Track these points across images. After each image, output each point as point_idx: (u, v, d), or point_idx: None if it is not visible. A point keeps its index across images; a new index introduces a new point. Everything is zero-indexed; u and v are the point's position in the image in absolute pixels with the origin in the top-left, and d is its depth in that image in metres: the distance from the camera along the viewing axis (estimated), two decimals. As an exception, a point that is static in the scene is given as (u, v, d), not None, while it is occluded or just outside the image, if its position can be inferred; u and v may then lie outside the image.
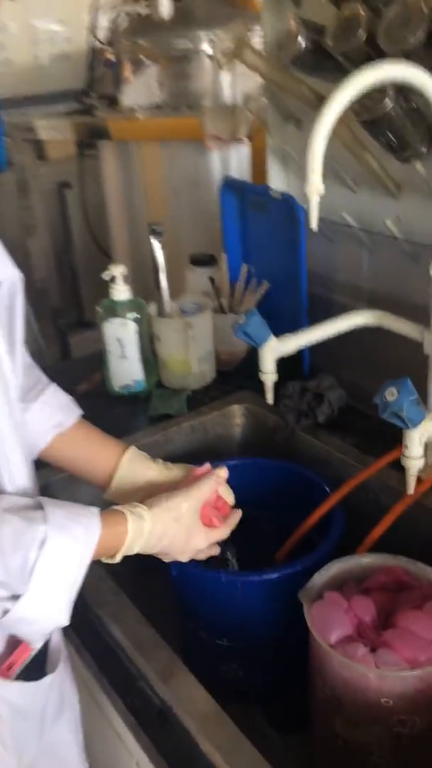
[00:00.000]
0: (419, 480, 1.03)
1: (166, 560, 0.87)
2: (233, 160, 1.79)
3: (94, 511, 0.74)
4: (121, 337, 1.30)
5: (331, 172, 1.28)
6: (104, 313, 1.31)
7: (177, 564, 0.95)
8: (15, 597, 0.66)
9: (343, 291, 1.34)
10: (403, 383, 0.71)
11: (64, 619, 0.70)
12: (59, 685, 0.87)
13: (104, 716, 0.81)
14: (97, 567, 0.89)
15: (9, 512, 0.68)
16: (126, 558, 0.78)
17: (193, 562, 0.90)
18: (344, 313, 1.11)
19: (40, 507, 0.70)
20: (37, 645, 0.74)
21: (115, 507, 0.79)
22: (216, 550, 0.91)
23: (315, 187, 0.75)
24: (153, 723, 0.74)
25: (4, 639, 0.77)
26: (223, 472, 0.90)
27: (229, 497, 0.93)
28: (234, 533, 0.93)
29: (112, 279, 1.29)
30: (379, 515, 0.98)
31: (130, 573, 0.92)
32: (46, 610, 0.68)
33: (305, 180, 0.75)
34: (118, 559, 0.78)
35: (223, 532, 0.89)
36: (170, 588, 1.05)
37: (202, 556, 0.90)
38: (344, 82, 0.75)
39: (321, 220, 1.31)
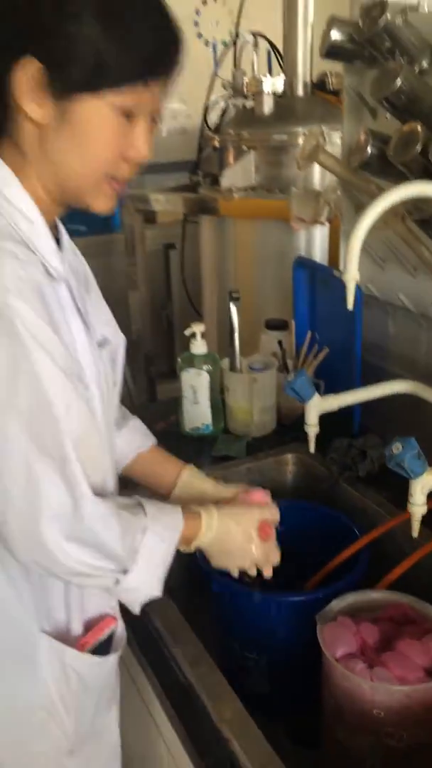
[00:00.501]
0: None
1: (223, 562, 1.02)
2: (316, 239, 1.99)
3: (178, 508, 0.94)
4: (195, 386, 1.50)
5: (393, 257, 1.45)
6: (183, 363, 1.52)
7: (218, 580, 1.12)
8: (124, 571, 0.84)
9: (398, 362, 1.48)
10: (407, 440, 0.87)
11: (158, 591, 0.88)
12: (116, 672, 1.04)
13: (138, 693, 0.97)
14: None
15: (119, 508, 0.86)
16: (174, 573, 0.94)
17: (231, 579, 1.07)
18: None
19: (139, 504, 0.89)
20: (135, 611, 0.90)
21: (193, 507, 0.98)
22: (270, 573, 1.06)
23: (351, 275, 0.92)
24: (178, 696, 0.90)
25: (83, 622, 0.96)
26: (277, 514, 1.08)
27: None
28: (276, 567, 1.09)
29: (193, 335, 1.50)
30: (400, 559, 1.12)
31: (178, 588, 1.07)
32: (145, 582, 0.87)
33: (344, 268, 0.93)
34: (192, 548, 0.97)
35: (275, 551, 1.06)
36: (211, 603, 1.21)
37: (252, 568, 1.04)
38: (377, 199, 0.93)
39: (378, 299, 1.50)
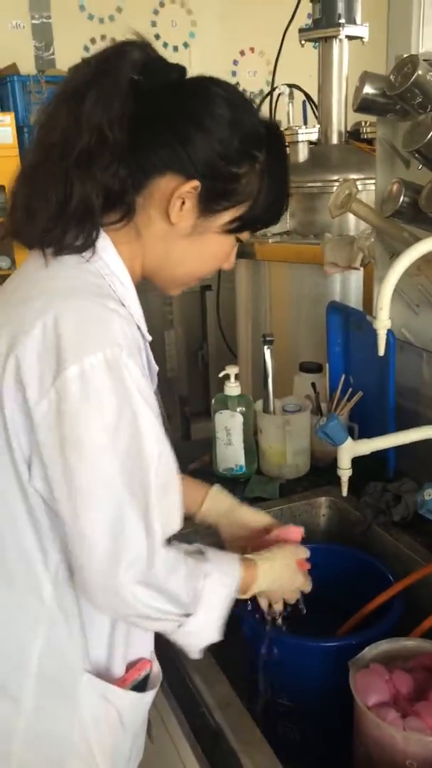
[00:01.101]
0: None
1: (271, 597, 1.08)
2: (350, 284, 2.01)
3: (235, 556, 1.00)
4: (229, 427, 1.52)
5: (427, 302, 1.47)
6: (217, 404, 1.54)
7: (249, 626, 1.13)
8: (187, 615, 0.88)
9: (432, 406, 1.49)
10: (439, 486, 0.87)
11: (217, 636, 0.92)
12: (150, 711, 1.04)
13: (168, 735, 0.97)
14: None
15: (184, 554, 0.91)
16: None
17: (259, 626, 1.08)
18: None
19: (200, 551, 0.94)
20: (194, 656, 0.93)
21: (247, 556, 1.03)
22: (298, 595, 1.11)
23: (383, 323, 0.94)
24: (208, 739, 0.90)
25: (125, 661, 0.97)
26: (307, 552, 1.13)
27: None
28: (308, 605, 1.12)
29: (227, 377, 1.52)
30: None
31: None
32: (206, 627, 0.90)
33: (375, 315, 0.94)
34: (249, 594, 1.02)
35: (309, 583, 1.12)
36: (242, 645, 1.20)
37: (295, 596, 1.10)
38: (409, 248, 0.95)
39: (411, 344, 1.50)
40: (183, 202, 0.89)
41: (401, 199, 1.27)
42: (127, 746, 1.00)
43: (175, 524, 0.90)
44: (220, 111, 0.87)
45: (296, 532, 1.14)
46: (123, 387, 0.80)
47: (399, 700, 0.96)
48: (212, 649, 1.05)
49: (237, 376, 1.53)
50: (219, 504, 1.19)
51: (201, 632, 0.90)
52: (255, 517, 1.19)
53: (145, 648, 1.01)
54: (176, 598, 0.86)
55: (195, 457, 1.65)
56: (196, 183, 0.87)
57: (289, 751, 1.15)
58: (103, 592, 0.83)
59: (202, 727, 0.93)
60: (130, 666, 0.98)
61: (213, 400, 1.56)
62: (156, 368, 1.01)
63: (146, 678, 0.99)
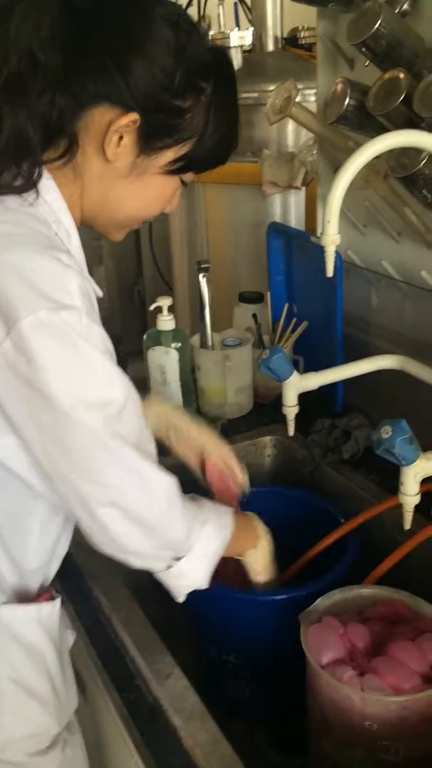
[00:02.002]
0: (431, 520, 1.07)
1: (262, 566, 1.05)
2: (291, 206, 1.88)
3: (229, 509, 0.98)
4: (164, 365, 1.39)
5: (374, 221, 1.35)
6: (149, 341, 1.41)
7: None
8: (177, 558, 0.87)
9: (382, 335, 1.39)
10: (397, 422, 0.77)
11: (205, 582, 0.91)
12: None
13: (108, 710, 0.87)
14: (115, 576, 0.99)
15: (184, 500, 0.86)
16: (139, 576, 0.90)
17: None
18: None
19: (195, 497, 0.93)
20: (179, 599, 0.92)
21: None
22: None
23: (330, 238, 0.81)
24: (145, 718, 0.80)
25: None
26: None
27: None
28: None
29: (159, 309, 1.38)
30: (391, 550, 1.02)
31: (148, 586, 1.00)
32: (195, 571, 0.89)
33: (322, 230, 0.82)
34: (258, 549, 1.03)
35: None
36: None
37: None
38: (358, 150, 0.82)
39: (359, 267, 1.39)
40: (121, 138, 0.79)
41: (347, 101, 1.14)
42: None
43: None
44: (164, 35, 0.78)
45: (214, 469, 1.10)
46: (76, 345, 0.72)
47: (355, 656, 0.88)
48: (150, 611, 0.96)
49: (171, 309, 1.40)
50: (161, 419, 1.12)
51: (187, 575, 0.90)
52: (195, 433, 1.12)
53: None
54: (171, 537, 0.86)
55: (129, 399, 1.52)
56: (135, 116, 0.78)
57: (239, 710, 1.09)
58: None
59: (138, 702, 0.83)
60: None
61: (144, 336, 1.43)
62: None
63: None
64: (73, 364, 0.72)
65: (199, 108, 0.82)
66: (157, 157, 0.83)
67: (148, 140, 0.81)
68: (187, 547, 0.87)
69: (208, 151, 0.85)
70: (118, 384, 0.76)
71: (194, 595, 1.05)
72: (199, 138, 0.83)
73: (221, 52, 0.87)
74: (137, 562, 0.86)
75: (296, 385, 1.04)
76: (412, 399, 1.25)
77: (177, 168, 0.84)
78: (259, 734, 1.09)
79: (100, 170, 0.82)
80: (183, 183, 0.89)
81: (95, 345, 0.73)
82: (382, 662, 0.85)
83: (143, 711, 0.81)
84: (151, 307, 1.39)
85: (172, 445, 1.12)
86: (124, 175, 0.83)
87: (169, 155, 0.83)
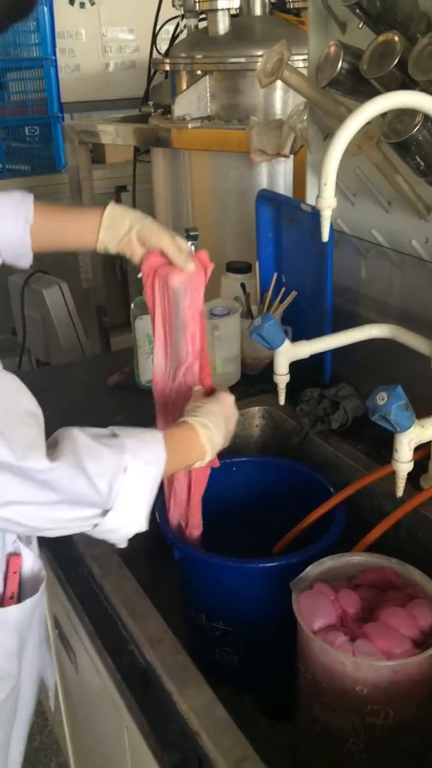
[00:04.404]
0: (420, 489, 1.08)
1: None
2: (279, 174, 1.85)
3: (159, 436, 0.85)
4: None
5: (365, 190, 1.33)
6: (136, 309, 1.39)
7: (180, 547, 1.02)
8: (104, 513, 0.78)
9: (371, 305, 1.38)
10: (393, 389, 0.76)
11: (143, 526, 0.82)
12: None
13: (100, 676, 0.87)
14: (105, 543, 0.98)
15: (94, 442, 0.77)
16: (136, 540, 0.86)
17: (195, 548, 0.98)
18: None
19: (115, 435, 0.81)
20: (122, 545, 0.85)
21: (186, 420, 0.92)
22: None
23: (326, 201, 0.80)
24: (138, 683, 0.80)
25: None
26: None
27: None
28: (242, 526, 1.02)
29: (146, 278, 1.36)
30: (380, 518, 1.03)
31: (138, 554, 0.99)
32: (128, 521, 0.80)
33: (318, 194, 0.80)
34: (207, 460, 0.92)
35: None
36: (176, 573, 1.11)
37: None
38: (356, 112, 0.80)
39: (350, 236, 1.38)
40: None
41: (340, 64, 1.11)
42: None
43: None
44: None
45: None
46: None
47: (346, 622, 0.88)
48: (140, 579, 0.95)
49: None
50: (119, 226, 0.99)
51: (122, 527, 0.81)
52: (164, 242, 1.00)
53: None
54: (87, 502, 0.77)
55: (116, 371, 1.50)
56: None
57: (228, 677, 1.09)
58: None
59: (131, 667, 0.83)
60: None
61: (132, 305, 1.40)
62: None
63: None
64: None
65: None
66: None
67: None
68: (110, 503, 0.79)
69: None
70: None
71: (184, 562, 1.05)
72: None
73: None
74: (60, 533, 0.80)
75: (288, 353, 1.03)
76: (400, 371, 1.24)
77: None
78: (246, 700, 1.10)
79: None
80: None
81: None
82: (373, 628, 0.86)
83: (136, 676, 0.81)
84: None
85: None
86: None
87: None
